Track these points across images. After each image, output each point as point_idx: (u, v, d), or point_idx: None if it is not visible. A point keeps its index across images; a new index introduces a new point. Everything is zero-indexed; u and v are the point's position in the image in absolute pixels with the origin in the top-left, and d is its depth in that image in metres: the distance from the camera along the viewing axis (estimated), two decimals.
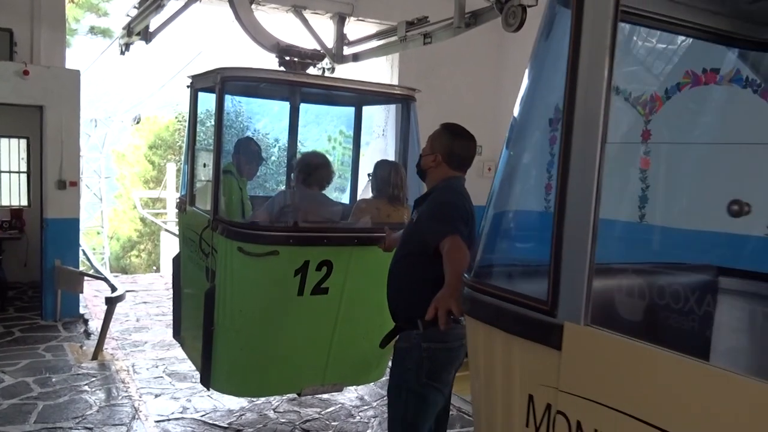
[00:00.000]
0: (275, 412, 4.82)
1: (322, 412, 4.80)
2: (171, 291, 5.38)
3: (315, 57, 4.66)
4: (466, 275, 2.12)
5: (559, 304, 1.68)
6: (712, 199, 2.77)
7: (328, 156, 4.75)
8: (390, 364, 3.27)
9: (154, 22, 6.99)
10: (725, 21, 2.24)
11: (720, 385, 1.35)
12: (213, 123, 4.38)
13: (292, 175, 4.56)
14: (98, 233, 22.72)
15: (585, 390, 1.62)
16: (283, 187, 4.75)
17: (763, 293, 2.38)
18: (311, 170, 4.35)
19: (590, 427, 1.60)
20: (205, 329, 4.13)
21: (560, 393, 1.68)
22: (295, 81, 4.41)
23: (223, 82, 4.11)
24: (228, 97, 4.33)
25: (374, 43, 6.45)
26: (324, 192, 4.49)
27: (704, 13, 2.17)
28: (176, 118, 23.16)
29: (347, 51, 7.94)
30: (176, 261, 5.25)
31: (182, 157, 5.72)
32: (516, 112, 2.16)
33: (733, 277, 2.43)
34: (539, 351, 1.73)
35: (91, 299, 7.98)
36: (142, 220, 23.18)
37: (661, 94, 5.20)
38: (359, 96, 5.04)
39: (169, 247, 16.31)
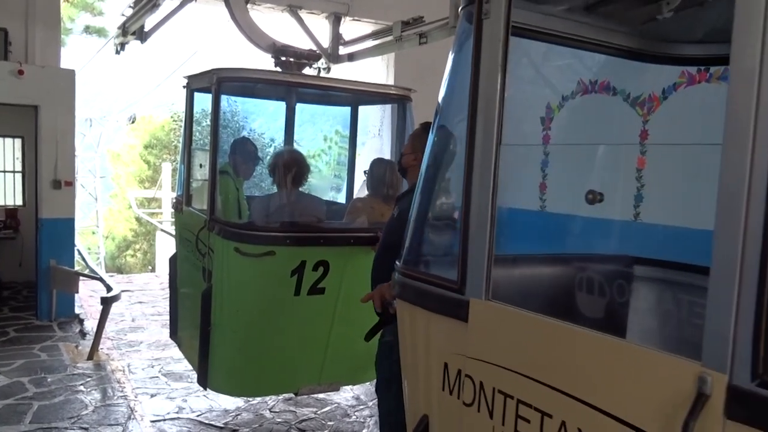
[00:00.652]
0: (271, 411, 4.84)
1: (318, 412, 4.82)
2: (166, 291, 5.39)
3: (311, 57, 4.67)
4: (397, 263, 2.34)
5: (466, 284, 1.94)
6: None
7: (300, 152, 4.68)
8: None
9: (149, 22, 6.99)
10: (616, 35, 2.47)
11: (588, 345, 1.63)
12: (209, 123, 4.39)
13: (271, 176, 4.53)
14: (93, 233, 22.67)
15: (486, 355, 1.89)
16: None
17: (671, 279, 2.67)
18: (283, 171, 4.29)
19: (490, 386, 1.88)
20: (202, 329, 4.14)
21: (467, 359, 1.95)
22: (291, 82, 4.43)
23: (219, 83, 4.13)
24: (224, 98, 4.36)
25: (370, 43, 6.47)
26: (302, 190, 4.43)
27: (593, 28, 2.39)
28: (172, 117, 23.13)
29: (343, 51, 7.96)
30: (173, 261, 5.27)
31: (178, 157, 5.73)
32: (436, 119, 2.40)
33: (645, 266, 2.76)
34: (451, 324, 2.00)
35: (87, 299, 7.98)
36: (138, 219, 23.15)
37: (658, 95, 5.27)
38: (355, 96, 5.06)
39: (165, 246, 16.29)
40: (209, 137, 4.30)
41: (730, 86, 1.30)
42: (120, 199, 24.64)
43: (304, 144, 5.42)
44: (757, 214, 1.23)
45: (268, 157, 4.63)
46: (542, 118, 5.78)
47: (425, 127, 3.20)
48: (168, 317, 5.47)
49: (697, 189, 2.78)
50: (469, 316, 1.93)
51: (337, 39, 8.38)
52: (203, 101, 4.73)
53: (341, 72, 7.09)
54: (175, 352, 5.29)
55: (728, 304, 1.27)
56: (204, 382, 4.27)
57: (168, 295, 5.55)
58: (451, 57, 2.27)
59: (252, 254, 3.88)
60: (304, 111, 5.41)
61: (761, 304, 1.22)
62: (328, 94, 5.11)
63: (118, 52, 7.78)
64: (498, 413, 1.84)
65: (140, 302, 8.31)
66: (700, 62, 3.03)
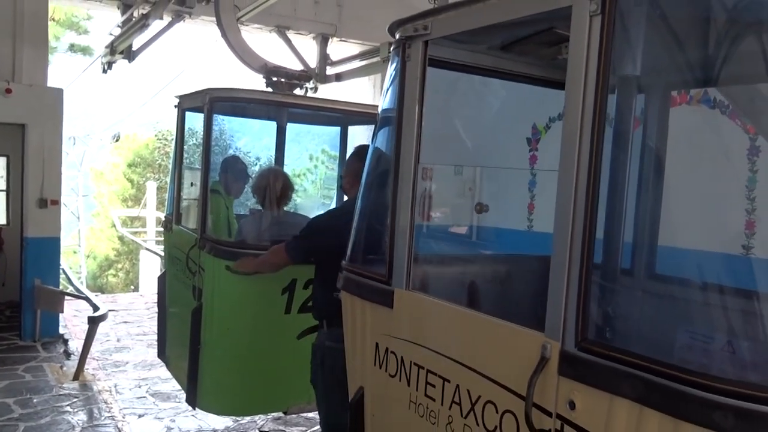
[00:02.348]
0: (260, 431, 4.89)
1: (308, 431, 4.87)
2: (151, 310, 5.44)
3: (302, 78, 4.81)
4: (343, 262, 2.72)
5: (392, 276, 2.38)
6: None
7: (283, 171, 4.78)
8: None
9: (138, 41, 7.11)
10: (539, 68, 2.80)
11: (472, 323, 2.13)
12: (199, 142, 4.49)
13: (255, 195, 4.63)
14: (75, 252, 22.52)
15: (406, 335, 2.34)
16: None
17: None
18: (268, 190, 4.37)
19: (408, 359, 2.33)
20: (192, 347, 4.18)
21: (392, 339, 2.41)
22: (284, 102, 4.55)
23: (211, 103, 4.23)
24: (216, 117, 4.47)
25: (357, 64, 6.63)
26: (291, 209, 4.53)
27: (517, 62, 2.77)
28: (156, 136, 23.15)
29: (330, 71, 8.12)
30: (161, 280, 5.29)
31: (168, 177, 5.82)
32: (373, 141, 2.84)
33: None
34: (381, 311, 2.44)
35: (71, 319, 7.99)
36: (120, 238, 23.02)
37: (638, 117, 5.49)
38: (345, 116, 5.19)
39: (149, 266, 16.23)
40: (200, 156, 4.40)
41: (563, 136, 1.71)
42: (102, 218, 24.51)
43: (293, 164, 5.53)
44: (579, 225, 1.67)
45: (253, 177, 4.73)
46: (528, 138, 5.96)
47: (355, 150, 3.69)
48: (154, 337, 5.51)
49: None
50: (393, 303, 2.36)
51: (324, 59, 8.56)
52: (192, 120, 4.84)
53: (328, 91, 7.24)
54: (163, 371, 5.33)
55: (561, 290, 1.71)
56: (193, 401, 4.29)
57: (154, 315, 5.60)
58: (384, 88, 2.67)
59: (243, 272, 3.95)
60: (294, 131, 5.53)
61: (581, 291, 1.67)
62: (318, 114, 5.24)
63: (105, 71, 7.88)
64: (413, 381, 2.31)
65: (125, 322, 8.32)
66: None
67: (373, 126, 5.98)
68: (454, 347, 2.12)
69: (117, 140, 18.73)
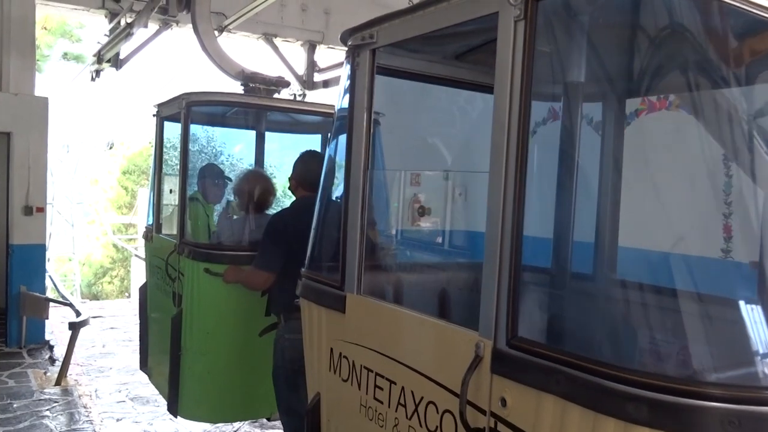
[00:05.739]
0: None
1: None
2: (138, 319, 5.45)
3: (279, 84, 4.84)
4: (302, 269, 2.77)
5: (345, 282, 2.42)
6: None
7: (262, 173, 4.76)
8: None
9: (125, 49, 7.18)
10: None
11: (414, 324, 2.16)
12: (178, 149, 4.52)
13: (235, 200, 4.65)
14: (70, 260, 22.54)
15: (357, 339, 2.38)
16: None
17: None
18: (248, 192, 4.38)
19: (359, 363, 2.36)
20: (173, 354, 4.16)
21: (345, 343, 2.44)
22: (259, 104, 4.55)
23: (188, 107, 4.25)
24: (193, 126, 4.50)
25: (344, 71, 6.68)
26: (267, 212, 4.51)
27: (472, 71, 2.82)
28: (150, 143, 23.18)
29: (318, 78, 8.21)
30: (143, 290, 5.29)
31: (149, 185, 5.84)
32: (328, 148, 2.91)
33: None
34: (335, 316, 2.48)
35: (58, 325, 8.01)
36: (115, 246, 23.04)
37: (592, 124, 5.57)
38: (325, 121, 5.20)
39: (140, 272, 16.25)
40: (179, 162, 4.41)
41: (492, 139, 1.77)
42: (97, 225, 24.54)
43: (275, 171, 5.56)
44: (508, 225, 1.73)
45: (233, 180, 4.76)
46: None
47: (300, 155, 3.83)
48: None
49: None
50: (346, 308, 2.41)
51: (312, 66, 8.65)
52: (173, 130, 4.86)
53: (316, 99, 7.30)
54: (144, 376, 5.35)
55: (492, 289, 1.76)
56: (174, 409, 4.26)
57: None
58: (338, 94, 2.71)
59: (222, 274, 3.95)
60: (274, 139, 5.55)
61: (511, 292, 1.72)
62: (298, 121, 5.25)
63: (93, 79, 7.96)
64: (363, 385, 2.34)
65: (112, 328, 8.36)
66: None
67: None
68: (398, 349, 2.17)
69: (111, 148, 18.81)
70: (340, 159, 2.57)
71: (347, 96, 2.51)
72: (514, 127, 1.72)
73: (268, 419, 4.51)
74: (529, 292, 2.51)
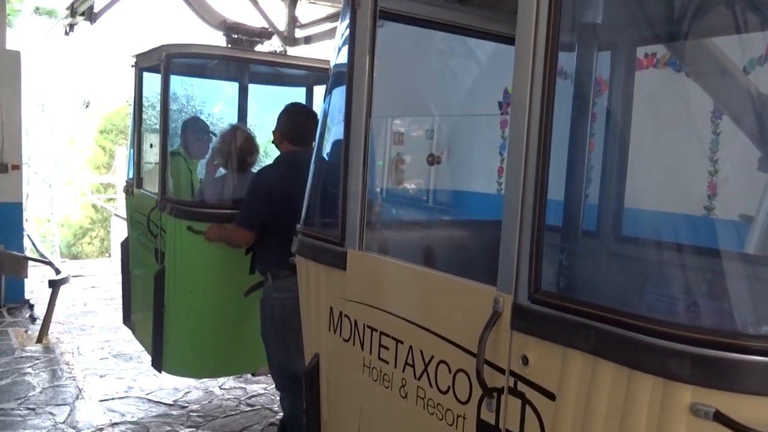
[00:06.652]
0: (221, 389, 4.77)
1: (268, 388, 4.75)
2: (120, 275, 5.24)
3: (263, 35, 4.56)
4: (297, 226, 2.60)
5: (345, 238, 2.25)
6: None
7: (245, 129, 4.51)
8: None
9: (99, 2, 6.75)
10: (497, 23, 2.67)
11: (423, 280, 2.00)
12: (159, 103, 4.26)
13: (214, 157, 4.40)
14: (48, 220, 21.95)
15: (359, 297, 2.20)
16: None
17: None
18: (231, 149, 4.20)
19: (362, 322, 2.19)
20: (156, 311, 4.04)
21: (346, 302, 2.27)
22: (242, 57, 4.32)
23: (168, 60, 4.01)
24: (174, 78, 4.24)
25: (327, 26, 6.36)
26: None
27: (476, 16, 2.65)
28: (128, 102, 22.41)
29: (299, 34, 7.81)
30: (124, 245, 5.13)
31: (128, 140, 5.56)
32: (326, 102, 2.68)
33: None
34: (335, 273, 2.31)
35: (38, 285, 7.70)
36: (94, 206, 22.47)
37: (605, 78, 5.38)
38: (310, 75, 4.96)
39: (120, 232, 15.86)
40: (159, 116, 4.19)
41: (514, 87, 1.60)
42: (76, 186, 23.86)
43: (257, 125, 5.29)
44: (531, 172, 1.55)
45: (216, 137, 4.50)
46: (500, 102, 5.81)
47: (285, 107, 3.60)
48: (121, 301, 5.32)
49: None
50: (347, 265, 2.24)
51: (293, 22, 8.22)
52: (154, 82, 4.58)
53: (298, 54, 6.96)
54: (127, 333, 5.15)
55: (513, 241, 1.59)
56: (159, 365, 4.15)
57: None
58: (335, 44, 2.53)
59: (204, 232, 3.79)
60: (257, 92, 5.28)
61: (534, 245, 1.54)
62: (281, 73, 5.00)
63: (67, 33, 7.48)
64: (367, 345, 2.17)
65: (93, 287, 8.08)
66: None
67: None
68: (406, 307, 2.01)
69: (87, 106, 18.08)
70: (340, 109, 2.36)
71: (346, 41, 2.31)
72: (538, 78, 1.52)
73: (253, 374, 4.37)
74: (555, 243, 2.35)
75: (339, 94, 2.44)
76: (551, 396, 1.52)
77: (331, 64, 2.61)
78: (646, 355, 1.34)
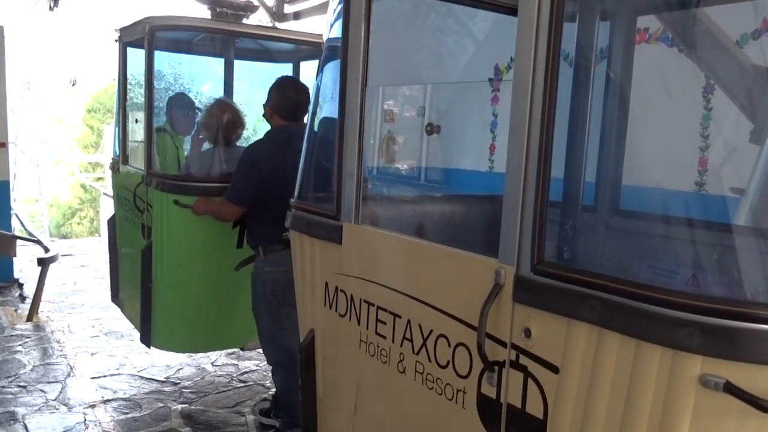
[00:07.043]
0: (213, 365, 4.70)
1: (260, 365, 4.68)
2: (108, 247, 5.14)
3: (248, 9, 4.39)
4: (291, 200, 2.52)
5: (341, 211, 2.18)
6: None
7: (231, 103, 4.37)
8: None
9: None
10: None
11: (421, 253, 1.94)
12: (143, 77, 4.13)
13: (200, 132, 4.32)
14: (36, 200, 21.62)
15: (355, 271, 2.14)
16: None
17: None
18: (216, 123, 4.06)
19: (358, 297, 2.12)
20: (144, 286, 3.98)
21: (341, 276, 2.20)
22: (227, 30, 4.17)
23: (152, 33, 3.89)
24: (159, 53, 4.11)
25: (317, 1, 6.19)
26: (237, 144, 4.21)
27: None
28: (114, 79, 21.96)
29: (288, 9, 7.61)
30: (111, 222, 5.04)
31: (114, 117, 5.41)
32: (320, 76, 2.62)
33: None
34: (330, 248, 2.24)
35: (27, 264, 7.55)
36: (83, 186, 22.16)
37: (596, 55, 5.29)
38: (297, 50, 4.82)
39: (109, 211, 15.62)
40: (144, 90, 4.06)
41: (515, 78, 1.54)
42: (64, 165, 23.47)
43: (243, 101, 5.15)
44: (535, 140, 1.47)
45: (201, 111, 4.38)
46: (491, 79, 5.71)
47: (276, 81, 3.50)
48: None
49: None
50: (342, 239, 2.16)
51: None
52: (139, 58, 4.44)
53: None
54: (118, 312, 5.06)
55: (515, 210, 1.52)
56: (147, 340, 4.09)
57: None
58: (329, 17, 2.48)
59: (191, 206, 3.71)
60: (243, 68, 5.13)
61: (537, 215, 1.48)
62: (268, 48, 4.87)
63: (51, 8, 7.27)
64: (363, 320, 2.10)
65: (83, 266, 7.94)
66: None
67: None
68: (405, 280, 1.94)
69: (74, 84, 17.73)
70: (335, 82, 2.27)
71: (340, 14, 2.22)
72: (542, 46, 1.45)
73: (242, 349, 4.32)
74: (558, 214, 2.28)
75: (334, 67, 2.36)
76: (554, 369, 1.46)
77: (324, 38, 2.54)
78: (655, 325, 1.27)
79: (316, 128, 2.65)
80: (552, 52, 1.45)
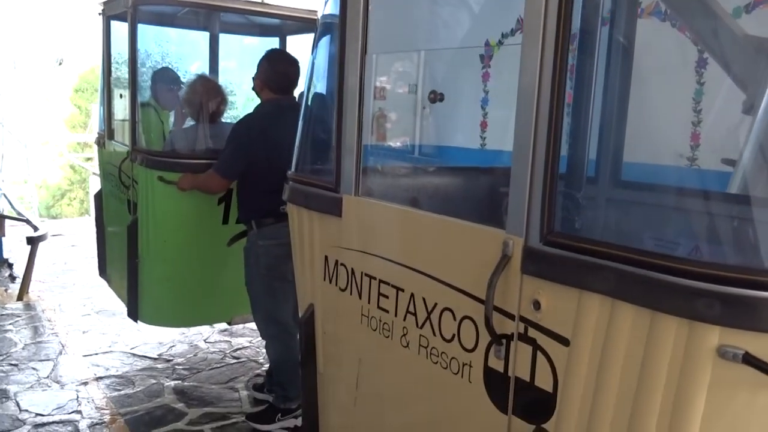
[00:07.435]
0: (206, 342, 4.62)
1: (253, 341, 4.61)
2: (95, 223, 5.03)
3: None
4: (288, 173, 2.45)
5: (340, 183, 2.10)
6: None
7: (213, 79, 4.31)
8: None
9: None
10: None
11: (426, 225, 1.85)
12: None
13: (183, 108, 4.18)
14: (25, 182, 21.25)
15: (355, 244, 2.07)
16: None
17: None
18: (200, 100, 3.94)
19: (359, 271, 2.05)
20: (130, 261, 3.91)
21: (341, 249, 2.12)
22: (212, 5, 4.04)
23: (135, 6, 3.78)
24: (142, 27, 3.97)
25: None
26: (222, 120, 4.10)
27: None
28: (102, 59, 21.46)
29: None
30: (98, 198, 4.95)
31: (98, 92, 5.25)
32: (316, 56, 2.55)
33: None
34: (330, 221, 2.16)
35: (16, 245, 7.38)
36: (72, 167, 21.80)
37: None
38: (283, 25, 4.68)
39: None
40: (128, 65, 3.94)
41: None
42: (52, 146, 23.05)
43: (229, 76, 4.99)
44: (543, 118, 1.40)
45: (183, 88, 4.24)
46: (481, 55, 5.59)
47: (266, 54, 3.41)
48: None
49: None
50: (342, 211, 2.08)
51: None
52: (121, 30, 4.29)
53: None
54: (109, 290, 4.96)
55: (524, 185, 1.45)
56: (134, 314, 4.02)
57: None
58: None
59: (176, 182, 3.63)
60: (228, 42, 4.97)
61: (546, 186, 1.41)
62: (254, 23, 4.73)
63: None
64: (365, 294, 2.02)
65: (73, 246, 7.79)
66: None
67: (312, 35, 5.50)
68: (408, 253, 1.85)
69: (60, 64, 17.31)
70: (332, 54, 2.21)
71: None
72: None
73: (229, 323, 4.23)
74: (568, 182, 2.20)
75: (331, 39, 2.30)
76: (565, 341, 1.40)
77: (320, 14, 2.50)
78: (671, 295, 1.21)
79: (315, 99, 2.56)
80: (563, 15, 1.37)
